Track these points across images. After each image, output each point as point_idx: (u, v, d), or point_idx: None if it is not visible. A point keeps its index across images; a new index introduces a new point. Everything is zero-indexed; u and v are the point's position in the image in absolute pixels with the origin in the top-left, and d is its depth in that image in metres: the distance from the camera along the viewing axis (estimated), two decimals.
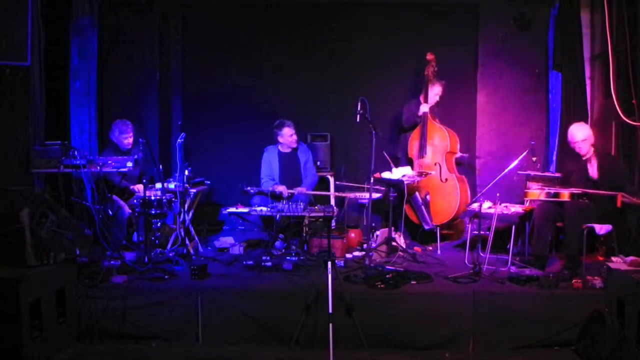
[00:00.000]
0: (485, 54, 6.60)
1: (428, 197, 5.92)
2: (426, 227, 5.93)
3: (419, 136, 6.07)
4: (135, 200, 5.18)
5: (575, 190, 4.83)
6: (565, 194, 4.85)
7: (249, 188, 5.69)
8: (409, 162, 6.13)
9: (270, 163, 6.09)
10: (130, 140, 5.57)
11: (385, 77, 6.72)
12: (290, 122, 6.01)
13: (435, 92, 6.16)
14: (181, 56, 6.95)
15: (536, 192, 5.00)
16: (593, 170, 5.01)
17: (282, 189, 5.85)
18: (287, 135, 6.00)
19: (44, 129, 5.30)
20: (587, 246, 4.75)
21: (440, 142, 6.02)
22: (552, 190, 4.92)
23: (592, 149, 5.08)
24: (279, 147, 6.11)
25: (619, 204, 4.57)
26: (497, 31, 6.51)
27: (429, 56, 6.10)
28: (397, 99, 6.59)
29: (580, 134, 5.04)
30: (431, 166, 6.00)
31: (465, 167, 6.36)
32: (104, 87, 6.38)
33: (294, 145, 6.09)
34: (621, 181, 4.93)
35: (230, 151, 6.85)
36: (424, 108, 6.06)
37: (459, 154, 6.20)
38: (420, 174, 5.81)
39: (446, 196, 5.91)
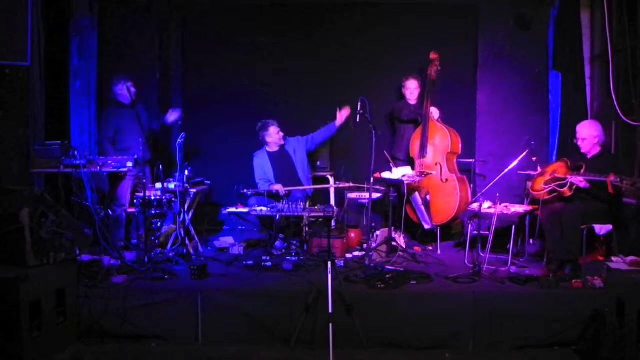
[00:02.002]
0: (485, 54, 6.58)
1: (428, 197, 5.91)
2: (426, 227, 5.92)
3: (420, 136, 6.02)
4: (135, 200, 5.18)
5: (576, 181, 4.72)
6: (566, 190, 4.80)
7: (245, 190, 5.67)
8: (410, 162, 6.10)
9: (263, 167, 6.06)
10: (134, 89, 5.59)
11: (385, 77, 6.70)
12: (273, 120, 6.00)
13: (413, 86, 6.14)
14: (181, 56, 6.94)
15: (541, 183, 4.98)
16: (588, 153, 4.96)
17: (278, 187, 5.83)
18: (275, 134, 5.98)
19: (44, 129, 5.30)
20: (587, 246, 4.74)
21: (441, 142, 5.96)
22: (557, 176, 4.87)
23: (600, 148, 4.98)
24: (267, 149, 6.09)
25: (610, 189, 4.45)
26: (497, 31, 6.49)
27: (433, 55, 6.05)
28: (397, 99, 6.58)
29: (585, 132, 4.96)
30: (432, 166, 5.96)
31: (464, 165, 6.34)
32: (104, 87, 6.37)
33: (282, 142, 6.07)
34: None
35: (231, 151, 6.82)
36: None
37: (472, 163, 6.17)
38: (420, 174, 5.80)
39: (446, 196, 5.87)
